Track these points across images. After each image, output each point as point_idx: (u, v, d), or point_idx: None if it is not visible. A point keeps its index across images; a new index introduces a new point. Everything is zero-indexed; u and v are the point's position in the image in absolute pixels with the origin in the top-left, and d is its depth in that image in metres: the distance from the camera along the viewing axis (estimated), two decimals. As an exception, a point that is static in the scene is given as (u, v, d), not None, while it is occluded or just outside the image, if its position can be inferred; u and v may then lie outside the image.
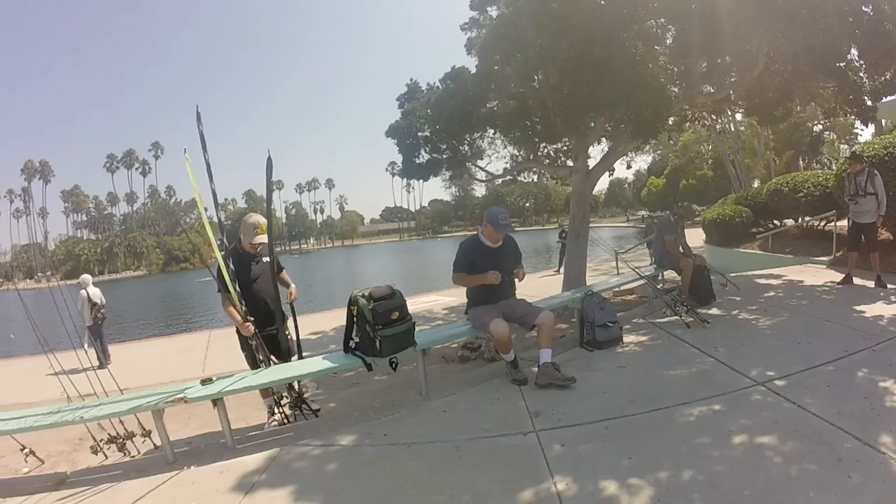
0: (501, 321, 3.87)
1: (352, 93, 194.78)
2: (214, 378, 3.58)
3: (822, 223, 10.36)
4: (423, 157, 9.27)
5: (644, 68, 5.78)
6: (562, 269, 15.33)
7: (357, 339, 3.79)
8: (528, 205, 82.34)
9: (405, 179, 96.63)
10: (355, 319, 3.78)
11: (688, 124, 10.89)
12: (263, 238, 4.01)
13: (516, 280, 4.21)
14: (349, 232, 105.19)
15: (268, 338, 4.04)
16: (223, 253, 3.95)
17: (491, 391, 3.91)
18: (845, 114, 7.66)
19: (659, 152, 43.89)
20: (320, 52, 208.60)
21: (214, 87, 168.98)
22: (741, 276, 7.56)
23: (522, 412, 3.44)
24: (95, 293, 8.61)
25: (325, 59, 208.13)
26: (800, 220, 10.99)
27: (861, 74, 6.77)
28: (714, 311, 5.70)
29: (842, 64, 6.55)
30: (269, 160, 4.01)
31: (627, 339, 4.85)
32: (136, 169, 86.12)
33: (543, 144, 8.88)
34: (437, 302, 11.84)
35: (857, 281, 6.42)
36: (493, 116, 7.60)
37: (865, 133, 33.59)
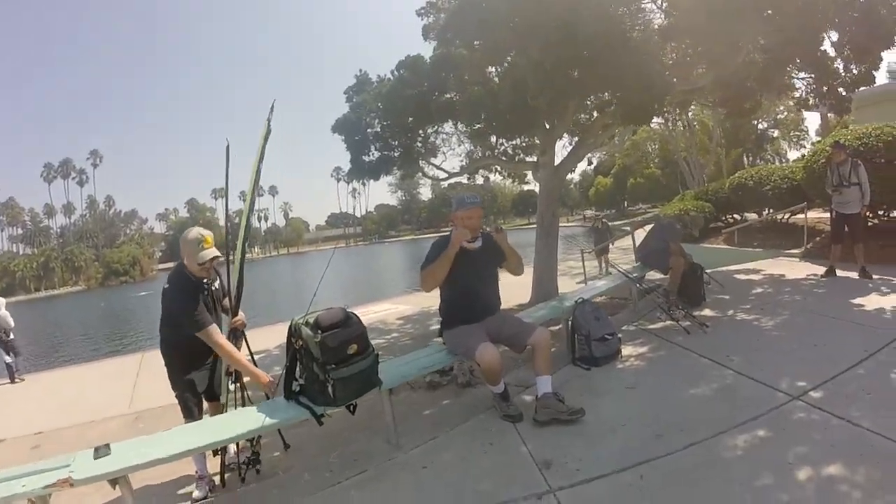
0: (489, 345, 3.08)
1: (295, 95, 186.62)
2: (111, 445, 2.57)
3: (787, 216, 10.30)
4: (374, 154, 8.45)
5: (637, 46, 5.22)
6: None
7: (302, 382, 2.87)
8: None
9: (350, 185, 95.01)
10: (299, 356, 2.87)
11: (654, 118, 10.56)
12: (212, 252, 3.06)
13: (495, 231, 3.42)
14: (294, 239, 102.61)
15: (202, 376, 3.23)
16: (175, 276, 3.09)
17: (479, 432, 3.12)
18: (818, 105, 7.45)
19: (605, 153, 44.88)
20: (258, 52, 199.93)
21: (156, 88, 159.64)
22: (716, 271, 7.22)
23: (527, 462, 2.68)
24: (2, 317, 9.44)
25: (271, 62, 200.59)
26: (764, 213, 10.90)
27: (836, 66, 6.51)
28: (707, 311, 5.25)
29: (820, 52, 6.28)
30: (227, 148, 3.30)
31: (624, 350, 4.20)
32: (74, 179, 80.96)
33: (501, 141, 8.24)
34: (389, 311, 10.71)
35: (839, 273, 6.23)
36: (453, 106, 6.85)
37: (810, 130, 35.97)
